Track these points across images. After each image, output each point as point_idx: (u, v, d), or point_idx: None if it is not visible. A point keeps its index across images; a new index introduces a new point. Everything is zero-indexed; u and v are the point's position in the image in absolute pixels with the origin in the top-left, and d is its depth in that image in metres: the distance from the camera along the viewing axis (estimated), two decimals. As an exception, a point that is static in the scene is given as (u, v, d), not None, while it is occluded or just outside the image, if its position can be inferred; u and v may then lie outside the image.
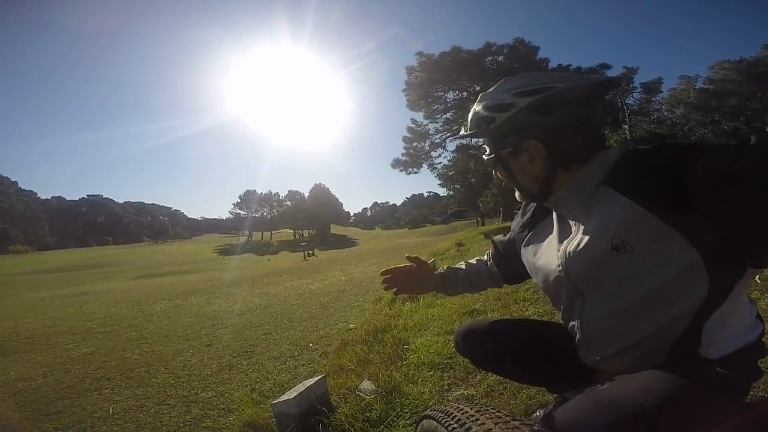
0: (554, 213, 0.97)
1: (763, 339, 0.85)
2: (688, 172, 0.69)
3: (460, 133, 0.99)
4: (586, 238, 0.82)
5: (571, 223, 0.89)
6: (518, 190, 0.96)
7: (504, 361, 1.19)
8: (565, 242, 0.88)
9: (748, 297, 0.86)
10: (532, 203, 1.06)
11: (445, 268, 1.33)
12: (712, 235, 0.70)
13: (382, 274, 1.24)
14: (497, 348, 1.17)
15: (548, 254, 0.94)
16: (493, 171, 0.98)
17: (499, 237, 1.26)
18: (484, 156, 0.98)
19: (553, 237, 0.94)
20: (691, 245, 0.72)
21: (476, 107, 0.92)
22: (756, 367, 0.84)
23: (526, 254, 1.03)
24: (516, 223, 1.12)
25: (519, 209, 1.15)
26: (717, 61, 30.74)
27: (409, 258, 1.26)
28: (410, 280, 1.26)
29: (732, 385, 0.76)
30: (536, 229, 1.02)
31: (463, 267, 1.31)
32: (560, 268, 0.88)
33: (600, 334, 0.87)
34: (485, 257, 1.32)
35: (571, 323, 0.94)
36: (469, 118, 0.94)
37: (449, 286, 1.29)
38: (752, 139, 0.65)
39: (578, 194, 0.85)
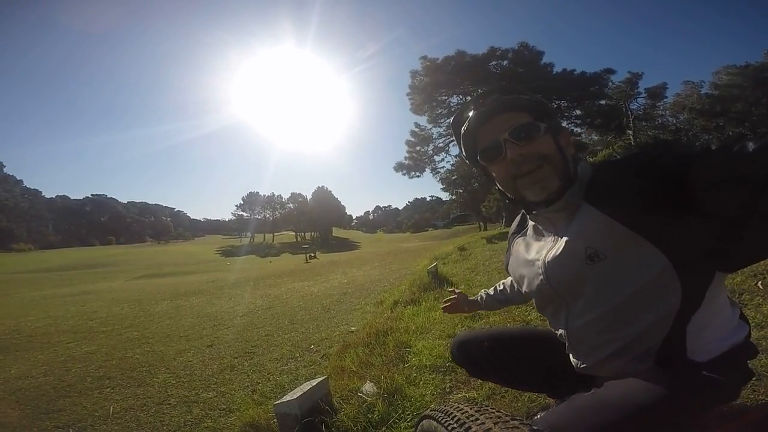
0: (530, 226, 1.02)
1: (750, 339, 0.87)
2: (655, 182, 0.72)
3: (524, 98, 0.92)
4: (564, 248, 0.87)
5: (550, 235, 0.94)
6: (548, 175, 0.86)
7: (503, 367, 1.21)
8: (544, 252, 0.93)
9: (730, 300, 0.90)
10: (515, 223, 1.13)
11: (481, 295, 1.50)
12: (679, 241, 0.74)
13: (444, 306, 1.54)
14: (495, 346, 1.20)
15: (530, 264, 0.98)
16: (523, 146, 0.87)
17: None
18: (523, 129, 0.88)
19: (534, 248, 0.99)
20: (661, 252, 0.75)
21: (522, 97, 0.91)
22: (746, 368, 0.85)
23: (510, 265, 1.10)
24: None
25: (521, 215, 1.17)
26: (722, 67, 30.75)
27: (453, 291, 1.56)
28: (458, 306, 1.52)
29: (719, 388, 0.77)
30: (516, 241, 1.08)
31: (491, 292, 1.45)
32: (542, 277, 0.93)
33: (586, 341, 0.91)
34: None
35: (559, 331, 0.99)
36: (519, 98, 0.91)
37: (484, 306, 1.48)
38: (714, 147, 0.68)
39: (567, 206, 0.88)
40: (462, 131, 0.97)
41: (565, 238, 0.87)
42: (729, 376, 0.79)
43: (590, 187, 0.85)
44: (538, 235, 0.99)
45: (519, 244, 1.06)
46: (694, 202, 0.68)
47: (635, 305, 0.80)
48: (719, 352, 0.80)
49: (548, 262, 0.90)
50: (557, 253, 0.88)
